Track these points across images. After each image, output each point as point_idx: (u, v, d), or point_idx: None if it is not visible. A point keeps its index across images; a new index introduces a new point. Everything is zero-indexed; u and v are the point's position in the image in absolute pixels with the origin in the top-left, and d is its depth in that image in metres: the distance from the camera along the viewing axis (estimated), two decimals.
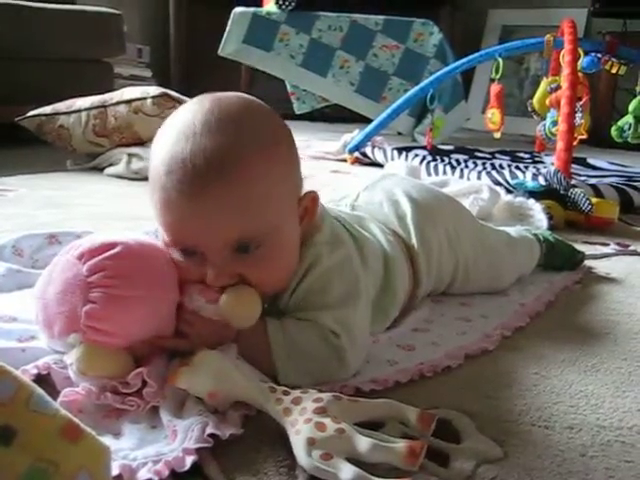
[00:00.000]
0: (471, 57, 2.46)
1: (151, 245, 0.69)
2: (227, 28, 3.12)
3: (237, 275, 0.68)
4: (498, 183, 1.75)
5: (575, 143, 1.85)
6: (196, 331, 0.68)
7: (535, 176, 1.74)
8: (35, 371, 0.65)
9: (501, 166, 2.27)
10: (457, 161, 2.35)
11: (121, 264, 0.64)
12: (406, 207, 0.96)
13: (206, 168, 0.63)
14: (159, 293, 0.67)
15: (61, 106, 2.06)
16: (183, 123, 0.66)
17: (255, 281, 0.69)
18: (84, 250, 0.65)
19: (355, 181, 1.05)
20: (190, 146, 0.64)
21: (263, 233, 0.67)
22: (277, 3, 3.14)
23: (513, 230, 1.16)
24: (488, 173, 1.90)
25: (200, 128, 0.64)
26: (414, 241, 0.93)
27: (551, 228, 1.33)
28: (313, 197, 0.75)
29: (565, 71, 1.90)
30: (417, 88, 2.49)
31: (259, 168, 0.65)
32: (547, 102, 2.09)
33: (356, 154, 2.47)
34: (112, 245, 0.65)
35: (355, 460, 0.54)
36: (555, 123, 1.99)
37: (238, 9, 3.16)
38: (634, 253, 1.36)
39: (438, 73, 2.52)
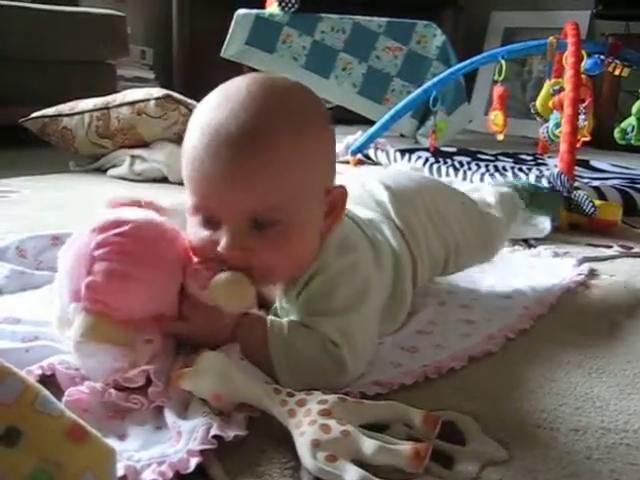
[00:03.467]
0: (474, 59, 2.47)
1: (162, 226, 0.70)
2: (230, 30, 3.12)
3: (249, 249, 0.67)
4: None
5: (578, 145, 1.85)
6: (195, 315, 0.69)
7: (538, 178, 1.74)
8: (39, 372, 0.65)
9: (504, 168, 2.26)
10: (460, 163, 2.35)
11: (126, 242, 0.66)
12: (382, 193, 0.94)
13: (238, 135, 0.64)
14: (159, 276, 0.67)
15: (64, 108, 2.06)
16: (230, 92, 0.68)
17: (265, 260, 0.68)
18: (97, 225, 0.67)
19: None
20: (228, 113, 0.66)
21: (282, 211, 0.67)
22: (280, 5, 3.14)
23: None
24: (491, 175, 1.90)
25: (242, 99, 0.66)
26: (398, 225, 0.91)
27: (554, 230, 1.33)
28: (342, 192, 0.74)
29: (568, 73, 1.90)
30: (420, 90, 2.49)
31: (290, 147, 0.66)
32: (550, 104, 2.09)
33: (359, 156, 2.47)
34: (123, 223, 0.67)
35: (360, 462, 0.54)
36: (558, 125, 1.99)
37: (241, 11, 3.16)
38: (637, 255, 1.35)
39: (441, 75, 2.52)
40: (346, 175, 1.04)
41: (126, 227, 0.66)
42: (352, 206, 0.88)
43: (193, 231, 0.70)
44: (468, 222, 1.01)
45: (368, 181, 0.97)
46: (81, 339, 0.63)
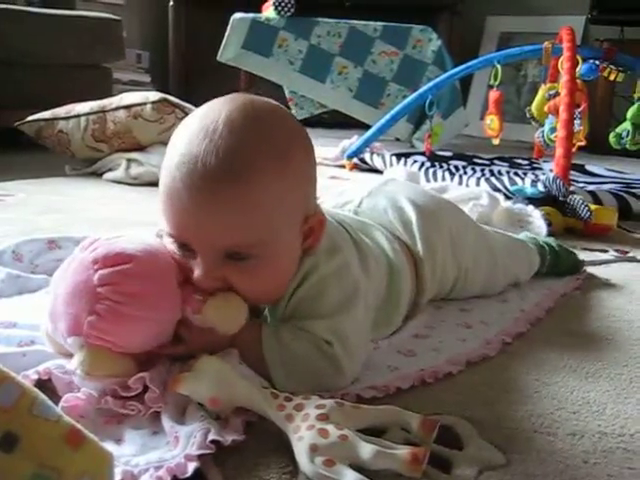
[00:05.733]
0: (470, 64, 2.47)
1: (162, 261, 0.68)
2: (226, 34, 3.13)
3: (223, 280, 0.67)
4: (497, 189, 1.75)
5: (574, 150, 1.85)
6: (192, 337, 0.68)
7: (534, 182, 1.74)
8: (36, 376, 0.65)
9: (500, 172, 2.27)
10: (456, 167, 2.36)
11: (132, 283, 0.64)
12: (411, 213, 0.95)
13: (216, 167, 0.63)
14: (164, 315, 0.67)
15: (60, 111, 2.06)
16: (207, 118, 0.66)
17: (242, 290, 0.68)
18: (99, 256, 0.65)
19: (357, 186, 1.04)
20: (206, 143, 0.64)
21: (256, 246, 0.66)
22: (276, 9, 3.14)
23: (515, 237, 1.16)
24: (487, 179, 1.90)
25: (221, 128, 0.64)
26: (419, 247, 0.92)
27: (550, 234, 1.34)
28: (321, 220, 0.73)
29: (564, 78, 1.91)
30: (416, 94, 2.49)
31: (269, 181, 0.65)
32: (545, 109, 2.10)
33: (355, 160, 2.47)
34: (126, 259, 0.65)
35: (358, 467, 0.54)
36: (553, 130, 1.99)
37: (237, 15, 3.16)
38: (633, 260, 1.36)
39: (437, 79, 2.53)
40: (373, 182, 1.04)
41: (130, 265, 0.64)
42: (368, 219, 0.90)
43: (172, 250, 0.69)
44: (480, 252, 1.02)
45: (398, 197, 0.98)
46: (83, 375, 0.63)
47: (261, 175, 0.64)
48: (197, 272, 0.67)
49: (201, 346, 0.68)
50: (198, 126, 0.65)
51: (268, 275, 0.69)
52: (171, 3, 3.96)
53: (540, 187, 1.61)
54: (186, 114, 1.87)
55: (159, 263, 0.68)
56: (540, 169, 2.44)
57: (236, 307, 0.68)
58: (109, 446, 0.52)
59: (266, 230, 0.66)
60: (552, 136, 2.02)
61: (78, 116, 2.03)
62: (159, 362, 0.67)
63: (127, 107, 1.97)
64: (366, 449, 0.55)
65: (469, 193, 1.47)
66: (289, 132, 0.70)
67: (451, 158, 2.60)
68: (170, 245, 0.69)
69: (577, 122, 1.87)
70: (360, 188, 1.02)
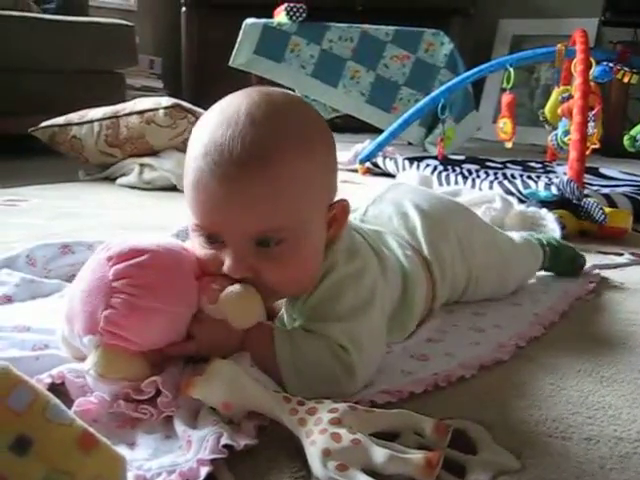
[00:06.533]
0: (482, 67, 2.47)
1: (178, 254, 0.69)
2: (238, 39, 3.14)
3: (254, 270, 0.67)
4: (510, 193, 1.74)
5: (587, 153, 1.84)
6: (203, 333, 0.68)
7: (548, 186, 1.73)
8: (49, 380, 0.65)
9: (513, 176, 2.26)
10: (469, 171, 2.35)
11: (146, 274, 0.64)
12: (415, 219, 0.95)
13: (243, 155, 0.64)
14: (179, 308, 0.67)
15: (74, 117, 2.08)
16: (228, 111, 0.67)
17: (271, 279, 0.68)
18: (113, 253, 0.65)
19: (363, 193, 1.04)
20: (231, 132, 0.64)
21: (287, 229, 0.67)
22: (288, 14, 3.15)
23: (517, 235, 1.16)
24: (500, 183, 1.89)
25: (244, 118, 0.65)
26: (426, 254, 0.92)
27: (564, 238, 1.33)
28: (344, 206, 0.74)
29: (577, 80, 1.90)
30: (428, 98, 2.49)
31: (295, 164, 0.66)
32: (559, 111, 2.09)
33: (367, 164, 2.47)
34: (141, 252, 0.65)
35: (371, 471, 0.53)
36: (567, 133, 1.98)
37: (249, 20, 3.17)
38: None
39: (449, 83, 2.53)
40: (377, 188, 1.04)
41: (145, 257, 0.65)
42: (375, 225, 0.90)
43: (197, 247, 0.70)
44: (490, 253, 1.02)
45: (403, 203, 0.97)
46: (96, 376, 0.63)
47: (288, 159, 0.65)
48: (227, 262, 0.67)
49: (211, 344, 0.67)
50: (219, 119, 0.66)
51: (297, 262, 0.69)
52: (183, 9, 3.98)
53: (554, 190, 1.60)
54: (198, 119, 1.88)
55: (174, 255, 0.68)
56: (553, 172, 2.43)
57: (252, 301, 0.68)
58: (122, 450, 0.52)
59: (295, 213, 0.67)
60: (565, 139, 2.01)
61: (91, 122, 2.04)
62: (171, 365, 0.67)
63: (140, 112, 1.98)
64: (379, 453, 0.54)
65: (482, 197, 1.47)
66: (310, 119, 0.71)
67: (464, 162, 2.60)
68: (197, 238, 0.69)
69: (591, 125, 1.86)
70: (365, 195, 1.02)
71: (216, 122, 0.66)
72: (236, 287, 0.67)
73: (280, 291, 0.70)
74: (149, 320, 0.64)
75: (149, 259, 0.65)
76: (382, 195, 1.00)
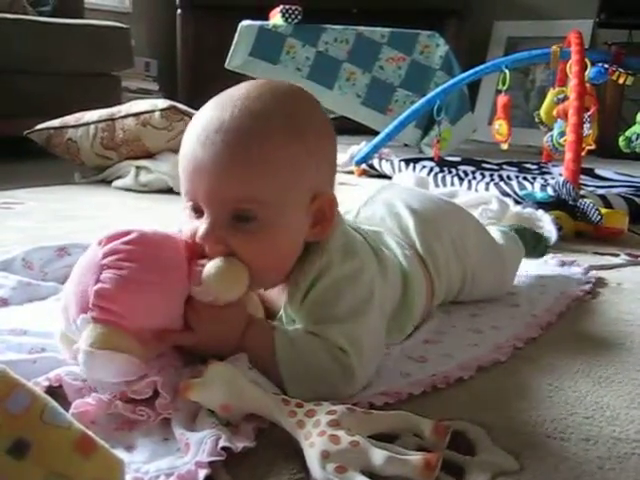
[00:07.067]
0: (477, 69, 2.47)
1: (167, 235, 0.70)
2: (234, 41, 3.14)
3: (227, 245, 0.67)
4: (506, 194, 1.74)
5: (583, 154, 1.85)
6: (202, 321, 0.68)
7: (544, 187, 1.73)
8: (46, 383, 0.65)
9: (509, 177, 2.26)
10: (465, 172, 2.35)
11: (135, 249, 0.65)
12: (408, 219, 0.95)
13: (230, 122, 0.66)
14: (169, 281, 0.67)
15: (70, 119, 2.07)
16: (229, 93, 0.70)
17: (243, 257, 0.68)
18: (103, 237, 0.67)
19: (355, 195, 1.03)
20: (222, 107, 0.68)
21: (263, 206, 0.67)
22: (283, 16, 3.15)
23: (493, 229, 1.16)
24: (496, 184, 1.90)
25: (237, 99, 0.68)
26: (421, 251, 0.92)
27: (560, 239, 1.33)
28: (330, 199, 0.73)
29: (572, 82, 1.90)
30: (424, 100, 2.50)
31: (279, 140, 0.67)
32: (554, 113, 2.09)
33: (363, 166, 2.47)
34: (129, 232, 0.67)
35: (370, 473, 0.53)
36: (562, 134, 1.99)
37: (245, 22, 3.17)
38: None
39: (444, 85, 2.53)
40: (369, 189, 1.04)
41: (133, 235, 0.66)
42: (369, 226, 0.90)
43: (185, 223, 0.71)
44: (485, 251, 1.02)
45: (395, 203, 0.97)
46: (90, 349, 0.62)
47: (274, 133, 0.67)
48: (201, 230, 0.67)
49: (211, 335, 0.67)
50: (215, 102, 0.70)
51: (270, 243, 0.69)
52: (179, 11, 3.98)
53: (550, 191, 1.60)
54: None
55: (162, 234, 0.69)
56: (549, 173, 2.44)
57: (235, 268, 0.67)
58: (120, 453, 0.52)
59: (273, 188, 0.67)
60: (561, 140, 2.01)
61: (87, 124, 2.04)
62: (169, 364, 0.66)
63: (136, 115, 1.98)
64: (378, 455, 0.54)
65: (479, 198, 1.46)
66: (307, 105, 0.73)
67: (460, 163, 2.60)
68: (186, 213, 0.70)
69: (586, 126, 1.86)
70: (357, 197, 1.01)
71: (211, 105, 0.69)
72: (215, 261, 0.67)
73: (252, 271, 0.69)
74: (138, 291, 0.64)
75: (137, 237, 0.66)
76: (374, 196, 1.00)
